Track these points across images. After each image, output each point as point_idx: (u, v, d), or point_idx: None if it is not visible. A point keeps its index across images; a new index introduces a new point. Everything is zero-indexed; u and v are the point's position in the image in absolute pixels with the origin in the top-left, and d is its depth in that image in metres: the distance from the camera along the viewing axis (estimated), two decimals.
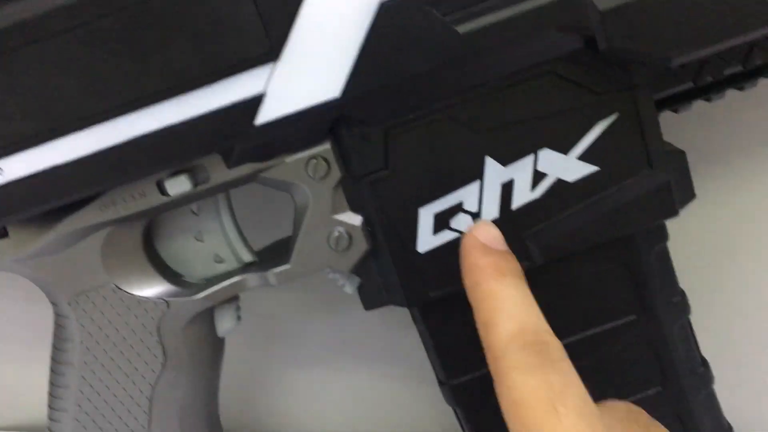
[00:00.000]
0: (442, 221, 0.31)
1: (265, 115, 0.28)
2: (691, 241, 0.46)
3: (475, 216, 0.31)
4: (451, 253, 0.31)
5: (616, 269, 0.33)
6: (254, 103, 0.28)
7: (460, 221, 0.31)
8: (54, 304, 0.35)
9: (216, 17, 0.26)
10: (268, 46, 0.27)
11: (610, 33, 0.27)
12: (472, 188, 0.30)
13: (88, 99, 0.27)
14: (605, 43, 0.28)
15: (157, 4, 0.26)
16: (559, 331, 0.29)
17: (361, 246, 0.31)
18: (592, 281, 0.33)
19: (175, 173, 0.30)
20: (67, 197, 0.30)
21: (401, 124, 0.30)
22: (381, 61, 0.28)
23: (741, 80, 0.34)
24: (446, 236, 0.31)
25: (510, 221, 0.31)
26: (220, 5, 0.26)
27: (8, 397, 0.54)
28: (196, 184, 0.30)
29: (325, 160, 0.30)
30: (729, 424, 0.38)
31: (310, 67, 0.28)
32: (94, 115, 0.27)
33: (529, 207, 0.31)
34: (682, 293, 0.35)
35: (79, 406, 0.36)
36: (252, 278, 0.33)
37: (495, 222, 0.31)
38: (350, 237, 0.31)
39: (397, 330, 0.50)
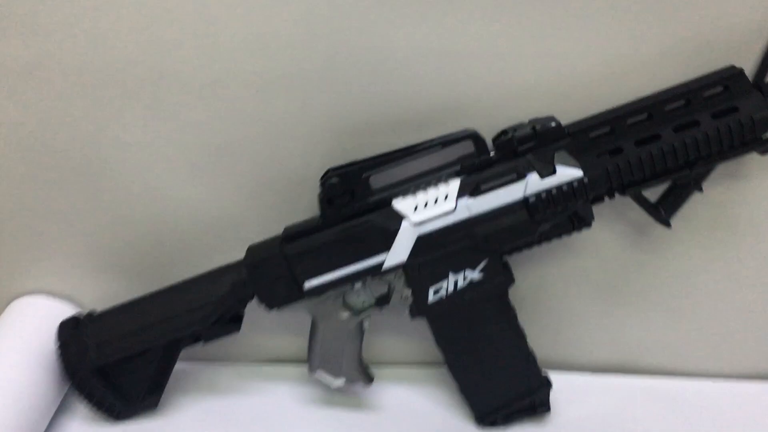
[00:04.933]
0: (436, 292, 0.67)
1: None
2: None
3: (446, 291, 0.67)
4: None
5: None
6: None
7: (441, 292, 0.67)
8: None
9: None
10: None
11: None
12: (445, 281, 0.67)
13: None
14: None
15: None
16: None
17: (409, 300, 0.69)
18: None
19: None
20: None
21: None
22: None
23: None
24: (436, 297, 0.68)
25: (455, 293, 0.67)
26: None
27: None
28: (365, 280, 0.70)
29: (400, 274, 0.68)
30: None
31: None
32: None
33: (462, 289, 0.67)
34: None
35: None
36: None
37: (451, 294, 0.67)
38: (407, 297, 0.69)
39: None
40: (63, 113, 0.68)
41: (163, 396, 0.74)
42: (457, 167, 0.64)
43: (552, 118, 0.63)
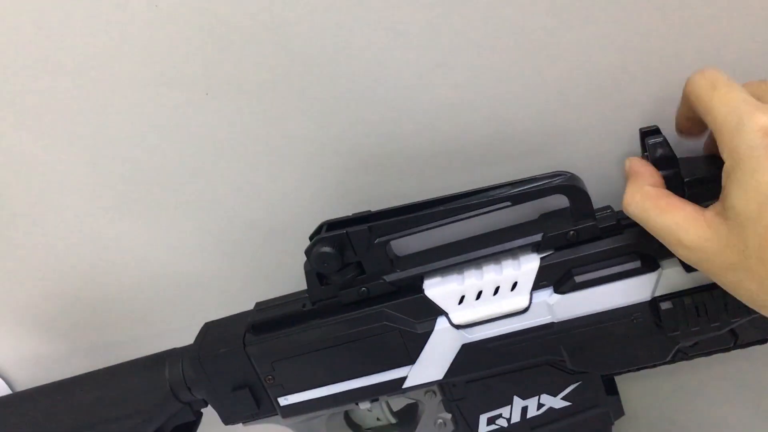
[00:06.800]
0: (491, 421, 0.45)
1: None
2: None
3: (509, 420, 0.45)
4: None
5: None
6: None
7: (501, 421, 0.45)
8: None
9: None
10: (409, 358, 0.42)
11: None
12: (507, 408, 0.44)
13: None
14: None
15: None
16: None
17: (450, 428, 0.46)
18: None
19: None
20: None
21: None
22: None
23: None
24: (492, 428, 0.45)
25: (524, 423, 0.45)
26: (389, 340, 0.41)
27: None
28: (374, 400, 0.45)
29: (434, 391, 0.44)
30: None
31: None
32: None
33: (534, 418, 0.44)
34: None
35: None
36: None
37: (515, 424, 0.45)
38: (445, 423, 0.45)
39: None
40: None
41: None
42: (537, 236, 0.38)
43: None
